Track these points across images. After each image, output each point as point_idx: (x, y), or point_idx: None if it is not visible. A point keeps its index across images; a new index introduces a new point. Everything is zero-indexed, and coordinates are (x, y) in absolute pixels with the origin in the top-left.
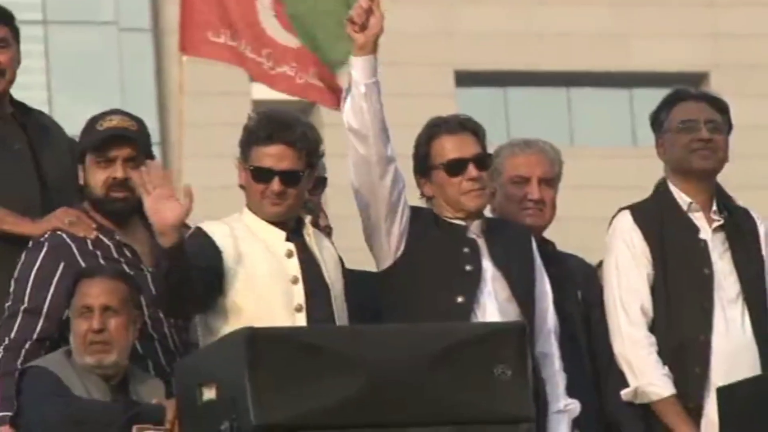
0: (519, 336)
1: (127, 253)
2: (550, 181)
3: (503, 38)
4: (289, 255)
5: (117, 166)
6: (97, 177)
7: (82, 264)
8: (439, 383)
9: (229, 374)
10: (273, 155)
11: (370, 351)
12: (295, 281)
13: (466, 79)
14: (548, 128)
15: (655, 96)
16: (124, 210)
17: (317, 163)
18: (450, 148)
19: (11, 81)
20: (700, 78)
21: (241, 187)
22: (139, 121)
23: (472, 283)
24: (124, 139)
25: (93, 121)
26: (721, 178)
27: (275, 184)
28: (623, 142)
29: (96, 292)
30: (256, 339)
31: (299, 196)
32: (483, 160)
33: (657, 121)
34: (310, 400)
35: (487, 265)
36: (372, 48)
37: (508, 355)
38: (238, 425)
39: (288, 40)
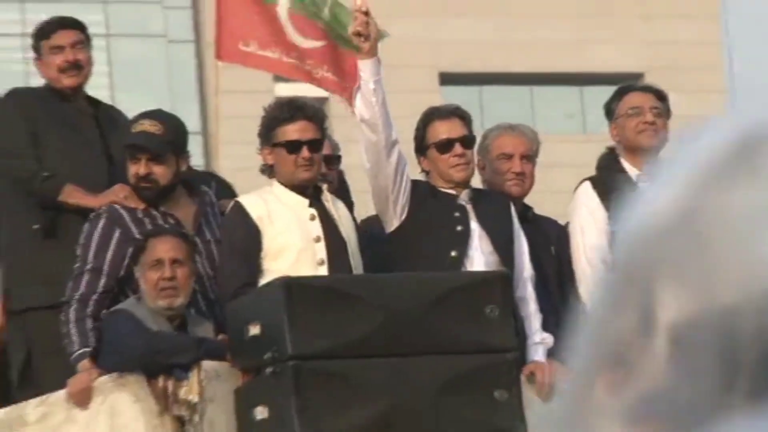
0: (504, 282)
1: (171, 221)
2: (530, 158)
3: (480, 45)
4: (312, 218)
5: (141, 164)
6: (130, 170)
7: (134, 230)
8: (440, 320)
9: (270, 314)
10: (298, 129)
11: (383, 295)
12: (317, 240)
13: (448, 79)
14: (514, 119)
15: (602, 92)
16: (151, 196)
17: (326, 133)
18: (441, 130)
19: (87, 77)
20: (637, 77)
21: (264, 169)
22: (167, 122)
23: (462, 241)
24: (144, 147)
25: (131, 122)
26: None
27: (305, 152)
28: (576, 130)
29: (165, 248)
30: (290, 286)
31: (321, 161)
32: (468, 141)
33: (610, 109)
34: (336, 334)
35: (474, 226)
36: (375, 51)
37: (495, 298)
38: (278, 355)
39: (305, 43)
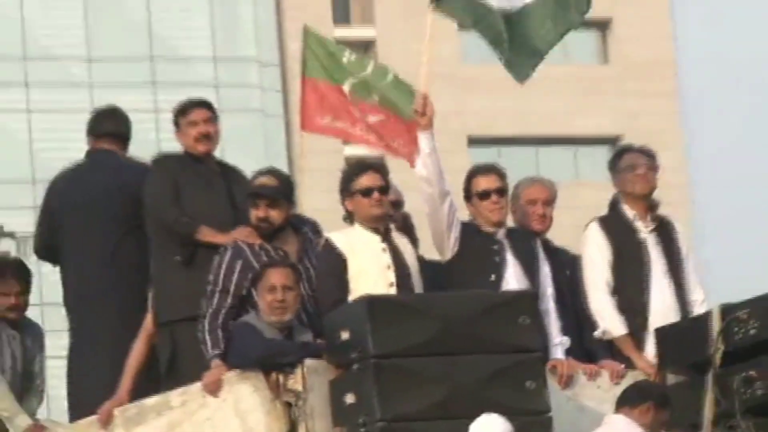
0: (533, 298)
1: (281, 253)
2: (550, 203)
3: (499, 114)
4: (384, 251)
5: (261, 209)
6: (251, 214)
7: (253, 261)
8: (484, 327)
9: (357, 323)
10: (370, 178)
11: (441, 308)
12: (388, 267)
13: (474, 141)
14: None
15: (592, 150)
16: (267, 234)
17: (390, 182)
18: (482, 183)
19: (215, 144)
20: (616, 140)
21: (345, 217)
22: (281, 177)
23: (500, 268)
24: (262, 194)
25: (253, 177)
26: None
27: (376, 195)
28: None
29: (278, 276)
30: (372, 301)
31: (388, 202)
32: (502, 191)
33: (613, 165)
34: (406, 338)
35: (509, 257)
36: (430, 126)
37: (526, 310)
38: (362, 354)
39: (371, 118)
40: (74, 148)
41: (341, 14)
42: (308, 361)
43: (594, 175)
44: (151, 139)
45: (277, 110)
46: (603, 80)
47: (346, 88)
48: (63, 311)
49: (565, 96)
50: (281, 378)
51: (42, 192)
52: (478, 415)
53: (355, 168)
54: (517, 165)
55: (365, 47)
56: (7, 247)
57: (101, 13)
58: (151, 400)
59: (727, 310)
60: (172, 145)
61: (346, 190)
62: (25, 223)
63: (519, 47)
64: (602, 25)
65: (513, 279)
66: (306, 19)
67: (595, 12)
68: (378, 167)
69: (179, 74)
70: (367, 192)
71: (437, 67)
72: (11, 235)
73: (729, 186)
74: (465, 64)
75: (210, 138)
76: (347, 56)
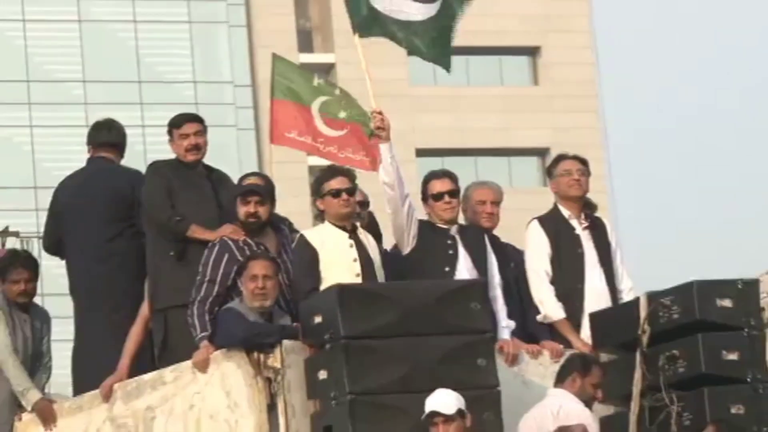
0: (483, 287)
1: (262, 248)
2: (497, 203)
3: (443, 129)
4: (351, 246)
5: (251, 205)
6: (241, 211)
7: (238, 254)
8: (440, 312)
9: (328, 308)
10: (339, 181)
11: (403, 295)
12: (354, 260)
13: (422, 153)
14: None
15: (523, 161)
16: (255, 227)
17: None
18: (436, 186)
19: (204, 154)
20: (545, 151)
21: (317, 215)
22: (266, 179)
23: (453, 260)
24: (253, 192)
25: (241, 179)
26: None
27: (344, 196)
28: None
29: (259, 267)
30: (342, 289)
31: (355, 203)
32: (453, 192)
33: (550, 171)
34: (372, 322)
35: (461, 250)
36: (389, 138)
37: (477, 297)
38: (334, 335)
39: (332, 132)
40: (71, 159)
41: (305, 43)
42: (286, 342)
43: (526, 183)
44: (139, 150)
45: (250, 125)
46: (533, 99)
47: (315, 106)
48: (60, 300)
49: (501, 113)
50: (262, 357)
51: (42, 196)
52: (435, 389)
53: (327, 172)
54: (459, 173)
55: (326, 70)
56: (12, 244)
57: (96, 41)
58: (147, 376)
59: (653, 296)
60: (157, 156)
61: (318, 191)
62: (28, 224)
63: (435, 45)
64: (533, 52)
65: (465, 270)
66: (274, 47)
67: (526, 40)
68: (346, 172)
69: (164, 95)
70: (336, 193)
71: (389, 89)
72: (16, 234)
73: (644, 190)
74: (413, 86)
75: (199, 148)
76: (315, 80)
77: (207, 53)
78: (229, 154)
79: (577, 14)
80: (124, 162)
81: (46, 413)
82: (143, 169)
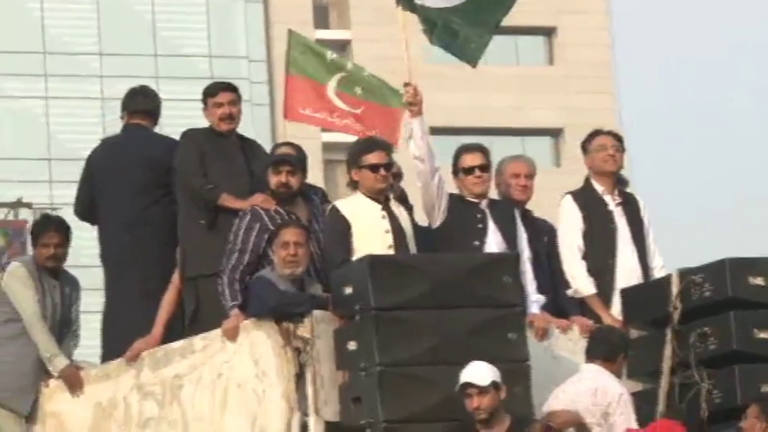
0: (515, 260)
1: (293, 217)
2: (531, 176)
3: (458, 108)
4: (383, 217)
5: (282, 174)
6: (272, 180)
7: (268, 223)
8: (472, 285)
9: (359, 279)
10: (378, 156)
11: (434, 267)
12: (387, 232)
13: (437, 131)
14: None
15: (537, 140)
16: (287, 197)
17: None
18: (467, 160)
19: (238, 123)
20: (558, 132)
21: (349, 183)
22: (298, 149)
23: (482, 234)
24: (285, 161)
25: (273, 149)
26: None
27: (382, 171)
28: None
29: (291, 234)
30: (373, 260)
31: (390, 177)
32: (484, 167)
33: (585, 146)
34: (402, 293)
35: (490, 224)
36: (421, 112)
37: (509, 270)
38: (364, 306)
39: (348, 108)
40: (86, 131)
41: (321, 19)
42: (316, 312)
43: (539, 162)
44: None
45: (264, 100)
46: (548, 79)
47: (332, 83)
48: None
49: (516, 93)
50: (291, 326)
51: (56, 168)
52: (465, 361)
53: (365, 144)
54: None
55: (342, 47)
56: (25, 216)
57: (113, 14)
58: (176, 344)
59: (684, 273)
60: (172, 129)
61: (355, 162)
62: (42, 195)
63: (465, 37)
64: (548, 32)
65: (494, 244)
66: (290, 23)
67: (541, 21)
68: (385, 146)
69: (179, 69)
70: (374, 168)
71: (404, 68)
72: (29, 205)
73: (659, 171)
74: (428, 64)
75: (233, 118)
76: (329, 55)
77: (223, 27)
78: (244, 129)
79: None
80: None
81: (73, 380)
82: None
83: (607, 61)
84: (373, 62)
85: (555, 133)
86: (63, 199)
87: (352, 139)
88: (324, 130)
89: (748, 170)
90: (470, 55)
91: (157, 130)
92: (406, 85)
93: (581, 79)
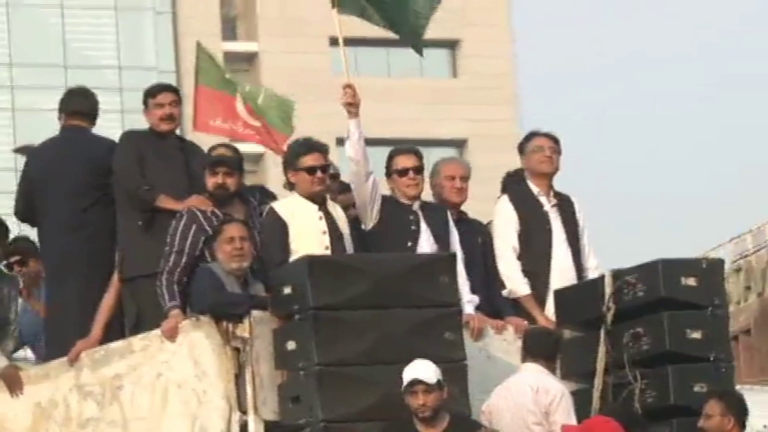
0: (452, 260)
1: (230, 218)
2: (466, 178)
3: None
4: (320, 218)
5: (219, 176)
6: (210, 182)
7: (205, 225)
8: (410, 285)
9: (298, 279)
10: (314, 158)
11: (372, 267)
12: (324, 233)
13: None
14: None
15: (442, 152)
16: (224, 198)
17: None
18: (400, 162)
19: (178, 124)
20: (462, 143)
21: (285, 185)
22: (235, 150)
23: (415, 236)
24: (222, 162)
25: (210, 149)
26: None
27: (319, 173)
28: None
29: (236, 230)
30: (312, 260)
31: (327, 179)
32: (418, 169)
33: (522, 147)
34: (341, 293)
35: (423, 226)
36: (357, 113)
37: (446, 270)
38: (303, 306)
39: (251, 120)
40: None
41: (229, 31)
42: (255, 312)
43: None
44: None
45: None
46: (452, 91)
47: (238, 94)
48: None
49: (420, 104)
50: (230, 326)
51: None
52: (404, 361)
53: (302, 146)
54: (379, 162)
55: (250, 59)
56: None
57: (24, 25)
58: (115, 344)
59: (617, 274)
60: None
61: (291, 164)
62: None
63: (404, 26)
64: (452, 45)
65: (426, 245)
66: (198, 34)
67: (445, 33)
68: (321, 148)
69: (90, 80)
70: (311, 170)
71: (311, 78)
72: None
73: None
74: (335, 76)
75: (173, 118)
76: (227, 74)
77: (132, 39)
78: None
79: (496, 7)
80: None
81: (12, 380)
82: None
83: (510, 72)
84: (281, 73)
85: (459, 144)
86: None
87: (257, 148)
88: (231, 140)
89: (652, 177)
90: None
91: None
92: (346, 86)
93: (484, 91)
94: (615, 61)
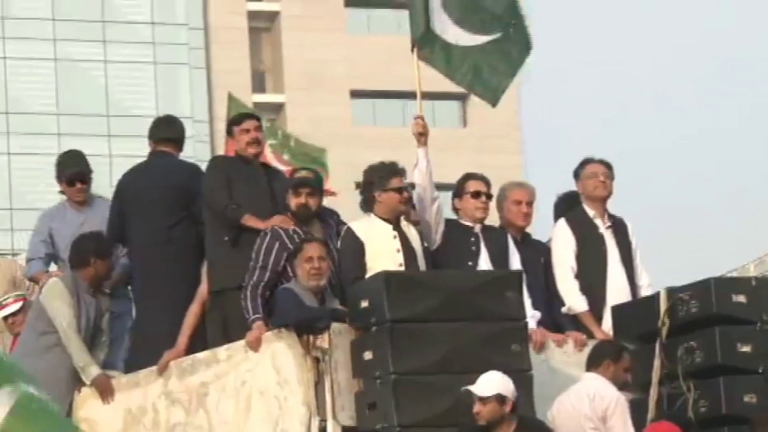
0: (519, 277)
1: (310, 236)
2: (531, 203)
3: None
4: (395, 237)
5: (302, 196)
6: (293, 202)
7: (287, 242)
8: (479, 299)
9: (375, 294)
10: (401, 181)
11: (445, 282)
12: (398, 251)
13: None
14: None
15: None
16: (307, 217)
17: None
18: (474, 185)
19: (263, 148)
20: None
21: (370, 199)
22: (316, 173)
23: (475, 256)
24: (306, 184)
25: (293, 173)
26: None
27: (405, 195)
28: None
29: (314, 249)
30: (389, 276)
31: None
32: (489, 195)
33: (577, 172)
34: (415, 307)
35: (482, 247)
36: (426, 143)
37: (513, 286)
38: (379, 319)
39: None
40: (46, 184)
41: (258, 84)
42: (334, 324)
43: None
44: (106, 180)
45: (207, 157)
46: (462, 139)
47: (268, 142)
48: None
49: (432, 152)
50: (311, 338)
51: (18, 218)
52: (473, 371)
53: (386, 169)
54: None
55: (277, 109)
56: None
57: (69, 77)
58: (201, 354)
59: (672, 291)
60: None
61: (379, 185)
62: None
63: (486, 76)
64: (462, 97)
65: (485, 266)
66: (230, 86)
67: (456, 87)
68: (404, 171)
69: (130, 128)
70: (399, 190)
71: (333, 128)
72: None
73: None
74: (356, 126)
75: (259, 142)
76: (264, 123)
77: (169, 91)
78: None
79: None
80: (93, 190)
81: (104, 387)
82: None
83: (515, 122)
84: (304, 123)
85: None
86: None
87: None
88: None
89: (655, 218)
90: (490, 95)
91: (107, 186)
92: (417, 117)
93: (491, 139)
94: (621, 109)
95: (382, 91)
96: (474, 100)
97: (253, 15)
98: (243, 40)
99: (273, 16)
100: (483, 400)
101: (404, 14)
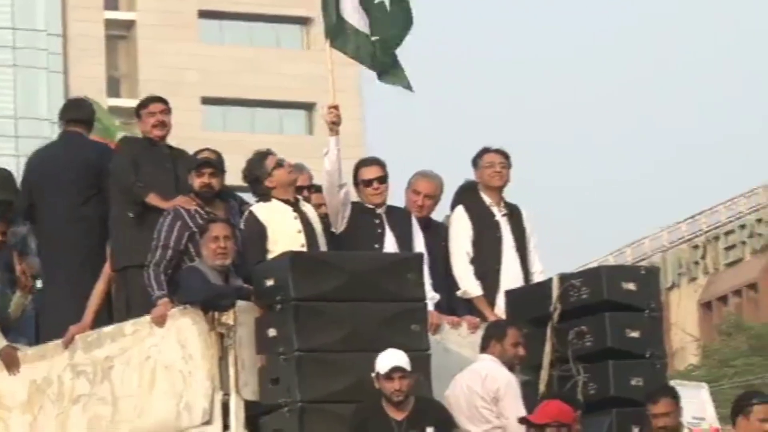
0: (420, 260)
1: (212, 216)
2: (431, 197)
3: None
4: (295, 218)
5: (205, 176)
6: (196, 182)
7: (190, 222)
8: (382, 280)
9: (281, 273)
10: (273, 158)
11: (348, 263)
12: (299, 232)
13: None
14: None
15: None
16: (209, 196)
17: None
18: (365, 173)
19: (168, 131)
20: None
21: (265, 191)
22: (218, 154)
23: (381, 238)
24: (208, 164)
25: (196, 153)
26: None
27: (286, 164)
28: None
29: (220, 229)
30: (294, 256)
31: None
32: (382, 179)
33: (475, 162)
34: (319, 286)
35: (387, 229)
36: (338, 132)
37: (414, 268)
38: (284, 297)
39: None
40: None
41: (113, 89)
42: (239, 302)
43: None
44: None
45: None
46: (308, 147)
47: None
48: None
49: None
50: (216, 314)
51: None
52: (374, 349)
53: (261, 158)
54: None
55: (130, 114)
56: None
57: None
58: (108, 328)
59: (564, 278)
60: None
61: (263, 175)
62: None
63: (387, 64)
64: (309, 107)
65: (390, 247)
66: (86, 90)
67: (303, 97)
68: (270, 150)
69: None
70: (279, 165)
71: (183, 132)
72: None
73: None
74: (205, 131)
75: (165, 125)
76: (117, 121)
77: (28, 94)
78: None
79: (347, 77)
80: None
81: (10, 359)
82: None
83: (359, 132)
84: None
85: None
86: None
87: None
88: None
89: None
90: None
91: None
92: (331, 107)
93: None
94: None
95: (232, 98)
96: (320, 111)
97: (110, 23)
98: (100, 47)
99: (129, 24)
100: (405, 374)
101: (256, 26)
